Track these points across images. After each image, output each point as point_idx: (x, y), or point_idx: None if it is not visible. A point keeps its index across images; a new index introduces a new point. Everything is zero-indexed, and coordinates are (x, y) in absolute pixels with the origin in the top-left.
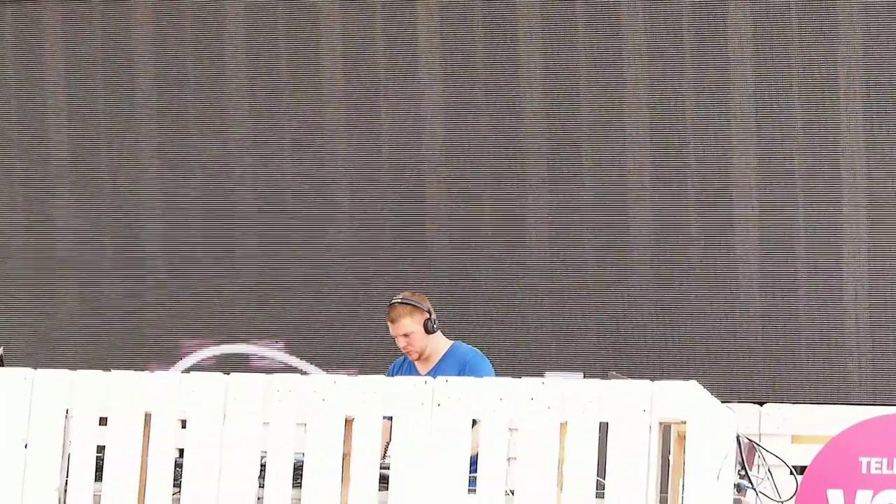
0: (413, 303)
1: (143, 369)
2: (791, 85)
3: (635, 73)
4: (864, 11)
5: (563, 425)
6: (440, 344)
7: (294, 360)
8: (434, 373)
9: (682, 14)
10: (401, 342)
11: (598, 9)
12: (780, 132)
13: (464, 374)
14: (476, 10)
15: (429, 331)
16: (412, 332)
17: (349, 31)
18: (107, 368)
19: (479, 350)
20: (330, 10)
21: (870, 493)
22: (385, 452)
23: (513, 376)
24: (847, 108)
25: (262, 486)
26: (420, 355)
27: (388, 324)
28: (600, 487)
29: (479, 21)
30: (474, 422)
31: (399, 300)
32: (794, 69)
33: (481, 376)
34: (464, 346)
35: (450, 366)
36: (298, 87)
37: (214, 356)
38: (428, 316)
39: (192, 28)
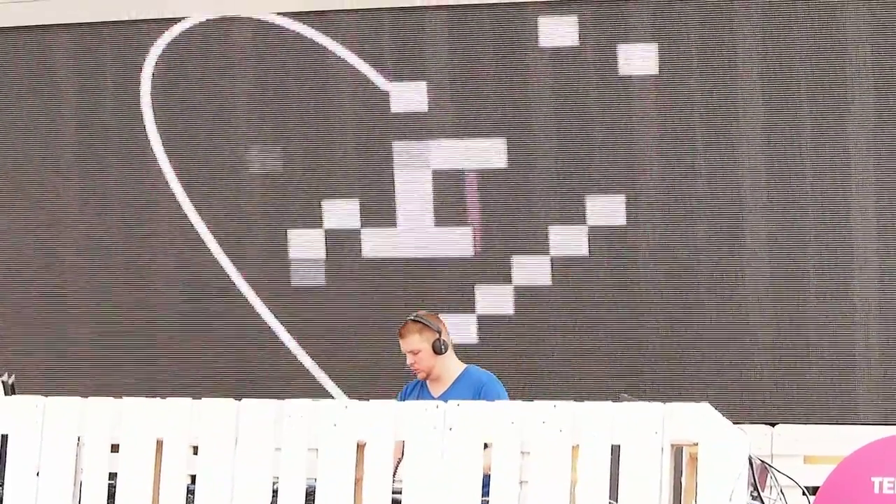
0: (424, 321)
1: (155, 396)
2: (801, 107)
3: (644, 96)
4: (874, 31)
5: (575, 448)
6: (453, 366)
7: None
8: (447, 396)
9: (691, 30)
10: (409, 359)
11: (603, 26)
12: (790, 159)
13: (479, 398)
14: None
15: (437, 351)
16: (420, 350)
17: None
18: (118, 395)
19: (493, 374)
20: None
21: None
22: (396, 468)
23: (524, 399)
24: (857, 130)
25: None
26: (427, 375)
27: (399, 339)
28: None
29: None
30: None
31: (412, 318)
32: (801, 75)
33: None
34: (478, 370)
35: (464, 389)
36: (307, 107)
37: None
38: (437, 336)
39: (198, 55)
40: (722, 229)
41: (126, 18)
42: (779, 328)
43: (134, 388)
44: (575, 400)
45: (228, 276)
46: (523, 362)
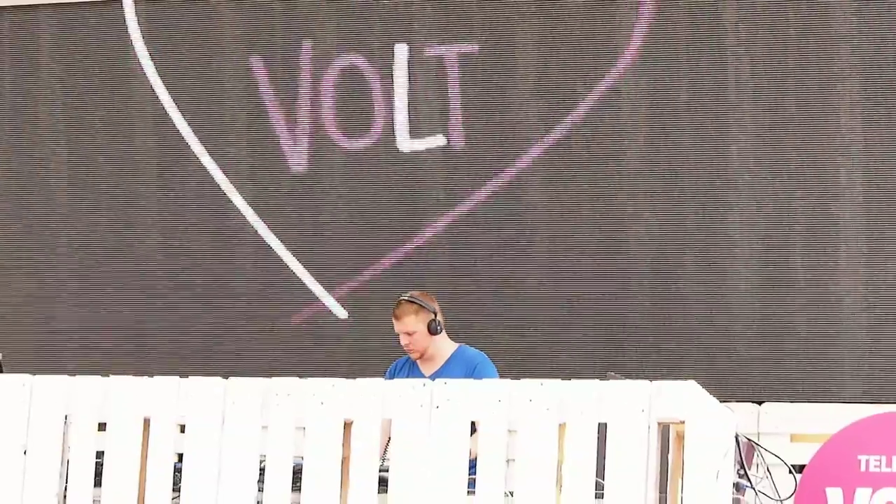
0: (420, 302)
1: (142, 375)
2: (788, 77)
3: (633, 88)
4: (865, 43)
5: (562, 426)
6: (445, 346)
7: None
8: (439, 375)
9: (680, 34)
10: (403, 340)
11: (594, 21)
12: (778, 136)
13: (472, 378)
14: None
15: (432, 332)
16: (415, 331)
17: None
18: (106, 374)
19: (485, 354)
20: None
21: (869, 491)
22: (385, 449)
23: (512, 378)
24: (845, 109)
25: (261, 490)
26: (421, 355)
27: (393, 320)
28: (599, 488)
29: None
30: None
31: (407, 298)
32: (791, 55)
33: None
34: (471, 350)
35: (456, 368)
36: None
37: None
38: (433, 317)
39: (186, 34)
40: (709, 207)
41: None
42: (766, 306)
43: (121, 367)
44: (562, 378)
45: (218, 253)
46: (510, 340)
